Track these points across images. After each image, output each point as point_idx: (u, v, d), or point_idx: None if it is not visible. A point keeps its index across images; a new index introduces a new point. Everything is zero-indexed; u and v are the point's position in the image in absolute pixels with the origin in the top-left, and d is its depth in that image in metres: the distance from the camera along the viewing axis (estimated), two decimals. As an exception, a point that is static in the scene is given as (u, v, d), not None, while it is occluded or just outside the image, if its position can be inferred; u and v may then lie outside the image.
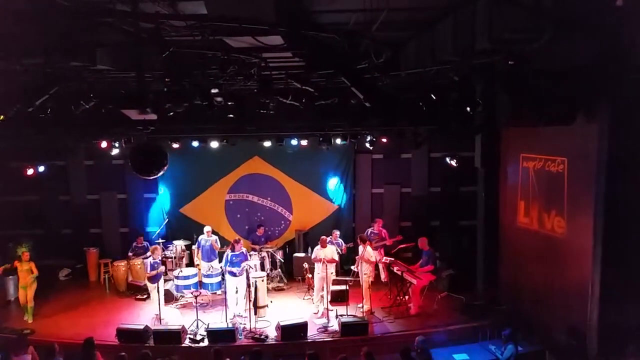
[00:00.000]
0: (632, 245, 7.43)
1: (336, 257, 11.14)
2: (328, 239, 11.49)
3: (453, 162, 10.85)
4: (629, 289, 7.42)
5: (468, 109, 9.39)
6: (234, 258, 10.63)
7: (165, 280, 11.80)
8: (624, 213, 7.50)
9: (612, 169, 7.49)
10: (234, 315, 10.56)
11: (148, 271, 10.52)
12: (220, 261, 11.90)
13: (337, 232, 12.51)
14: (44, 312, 11.03)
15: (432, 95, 9.12)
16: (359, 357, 7.41)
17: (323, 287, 10.74)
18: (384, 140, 12.21)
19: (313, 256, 11.03)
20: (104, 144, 11.53)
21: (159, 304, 10.33)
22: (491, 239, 11.32)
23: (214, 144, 11.94)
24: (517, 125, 10.25)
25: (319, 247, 11.01)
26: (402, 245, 12.17)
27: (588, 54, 7.00)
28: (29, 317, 10.73)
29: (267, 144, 12.23)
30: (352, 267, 11.22)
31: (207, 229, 12.25)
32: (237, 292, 10.73)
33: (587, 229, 8.14)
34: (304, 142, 12.13)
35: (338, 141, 11.99)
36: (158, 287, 10.55)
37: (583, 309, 8.13)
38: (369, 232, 12.41)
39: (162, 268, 11.00)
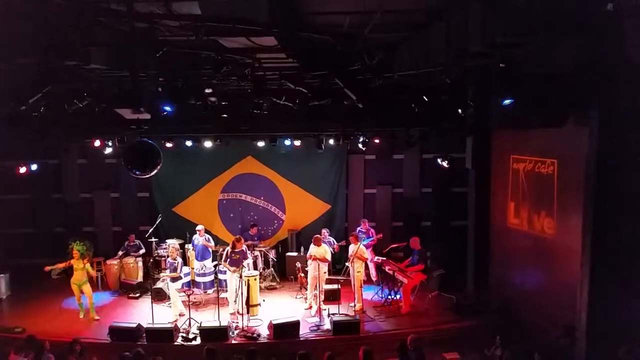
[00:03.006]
0: (620, 246, 7.51)
1: (328, 257, 11.16)
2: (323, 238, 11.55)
3: (444, 163, 10.94)
4: (617, 289, 7.49)
5: (460, 110, 9.49)
6: (233, 255, 10.67)
7: (157, 279, 11.90)
8: (613, 214, 7.57)
9: (601, 170, 7.56)
10: (235, 312, 10.58)
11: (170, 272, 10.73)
12: (213, 260, 11.96)
13: (326, 231, 12.59)
14: (35, 310, 11.00)
15: (425, 97, 9.21)
16: (352, 355, 7.44)
17: (316, 286, 10.80)
18: (377, 141, 12.27)
19: (308, 254, 11.06)
20: (97, 143, 11.46)
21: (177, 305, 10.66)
22: (482, 240, 11.40)
23: (208, 144, 11.92)
24: (508, 127, 10.35)
25: (313, 245, 11.07)
26: (393, 245, 12.24)
27: (579, 57, 7.08)
28: (92, 313, 10.79)
29: (261, 144, 12.25)
30: (347, 264, 11.28)
31: (199, 227, 12.26)
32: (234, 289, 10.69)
33: (577, 230, 8.22)
34: (297, 143, 12.16)
35: (331, 142, 12.03)
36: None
37: (572, 309, 8.20)
38: (357, 232, 12.48)
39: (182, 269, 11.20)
